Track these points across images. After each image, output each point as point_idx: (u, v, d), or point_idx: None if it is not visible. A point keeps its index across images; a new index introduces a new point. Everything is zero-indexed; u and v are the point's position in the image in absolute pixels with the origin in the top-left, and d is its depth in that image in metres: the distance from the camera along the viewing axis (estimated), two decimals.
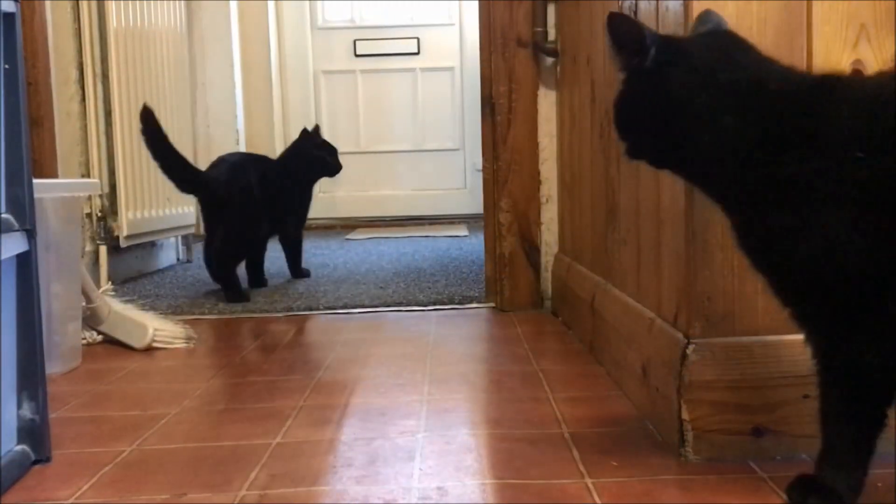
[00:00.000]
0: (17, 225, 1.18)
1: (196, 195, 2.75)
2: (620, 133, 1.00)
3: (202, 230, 2.81)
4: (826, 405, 0.92)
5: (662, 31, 1.20)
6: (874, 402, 0.89)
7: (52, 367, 1.64)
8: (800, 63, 1.08)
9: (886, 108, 0.84)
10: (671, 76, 0.93)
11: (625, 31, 0.95)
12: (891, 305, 0.85)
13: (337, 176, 3.04)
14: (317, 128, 2.98)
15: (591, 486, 1.05)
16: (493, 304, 2.34)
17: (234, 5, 4.54)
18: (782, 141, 0.88)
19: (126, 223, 2.84)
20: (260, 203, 2.64)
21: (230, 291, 2.52)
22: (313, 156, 2.90)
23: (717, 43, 0.96)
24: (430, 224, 4.86)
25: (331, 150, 2.94)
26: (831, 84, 0.90)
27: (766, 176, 0.89)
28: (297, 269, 2.94)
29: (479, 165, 2.60)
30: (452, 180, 5.08)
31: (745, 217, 0.93)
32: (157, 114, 3.05)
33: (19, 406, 1.20)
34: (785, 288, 0.93)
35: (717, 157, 0.92)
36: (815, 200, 0.86)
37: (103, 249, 2.81)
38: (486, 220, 2.38)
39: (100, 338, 2.01)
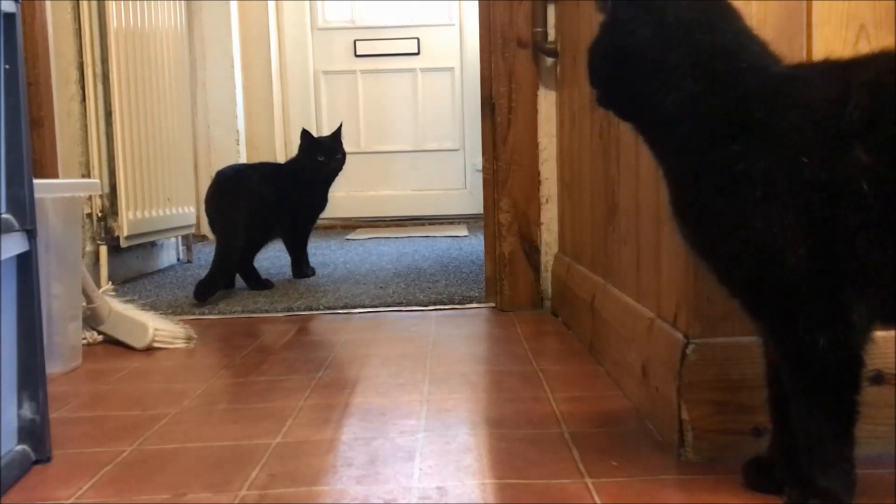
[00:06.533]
0: (17, 225, 1.18)
1: None
2: (591, 79, 0.99)
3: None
4: (797, 404, 0.91)
5: None
6: (840, 392, 0.88)
7: (53, 367, 1.64)
8: None
9: (827, 108, 0.85)
10: (637, 29, 0.91)
11: None
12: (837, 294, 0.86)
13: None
14: (339, 128, 3.02)
15: (591, 486, 1.05)
16: (492, 304, 2.34)
17: (234, 5, 4.54)
18: (736, 128, 0.87)
19: (126, 223, 2.84)
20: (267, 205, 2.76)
21: (252, 282, 2.77)
22: (301, 163, 2.94)
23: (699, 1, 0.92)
24: (430, 224, 4.86)
25: (329, 151, 2.93)
26: (791, 78, 0.89)
27: (713, 161, 0.88)
28: (298, 270, 2.96)
29: (479, 165, 2.60)
30: (452, 180, 5.08)
31: (687, 193, 0.93)
32: (157, 114, 3.05)
33: (20, 406, 1.20)
34: (713, 266, 0.94)
35: (674, 120, 0.91)
36: (757, 199, 0.86)
37: (103, 249, 2.82)
38: (486, 220, 2.38)
39: (100, 338, 2.01)
